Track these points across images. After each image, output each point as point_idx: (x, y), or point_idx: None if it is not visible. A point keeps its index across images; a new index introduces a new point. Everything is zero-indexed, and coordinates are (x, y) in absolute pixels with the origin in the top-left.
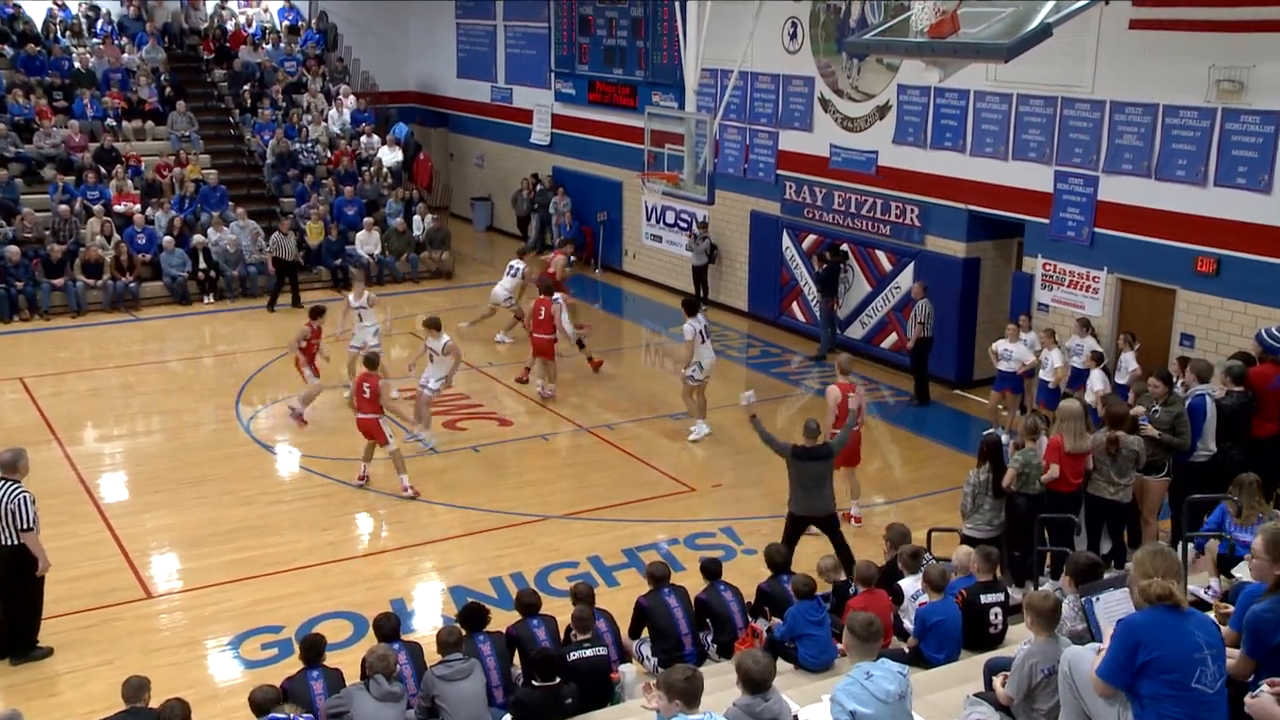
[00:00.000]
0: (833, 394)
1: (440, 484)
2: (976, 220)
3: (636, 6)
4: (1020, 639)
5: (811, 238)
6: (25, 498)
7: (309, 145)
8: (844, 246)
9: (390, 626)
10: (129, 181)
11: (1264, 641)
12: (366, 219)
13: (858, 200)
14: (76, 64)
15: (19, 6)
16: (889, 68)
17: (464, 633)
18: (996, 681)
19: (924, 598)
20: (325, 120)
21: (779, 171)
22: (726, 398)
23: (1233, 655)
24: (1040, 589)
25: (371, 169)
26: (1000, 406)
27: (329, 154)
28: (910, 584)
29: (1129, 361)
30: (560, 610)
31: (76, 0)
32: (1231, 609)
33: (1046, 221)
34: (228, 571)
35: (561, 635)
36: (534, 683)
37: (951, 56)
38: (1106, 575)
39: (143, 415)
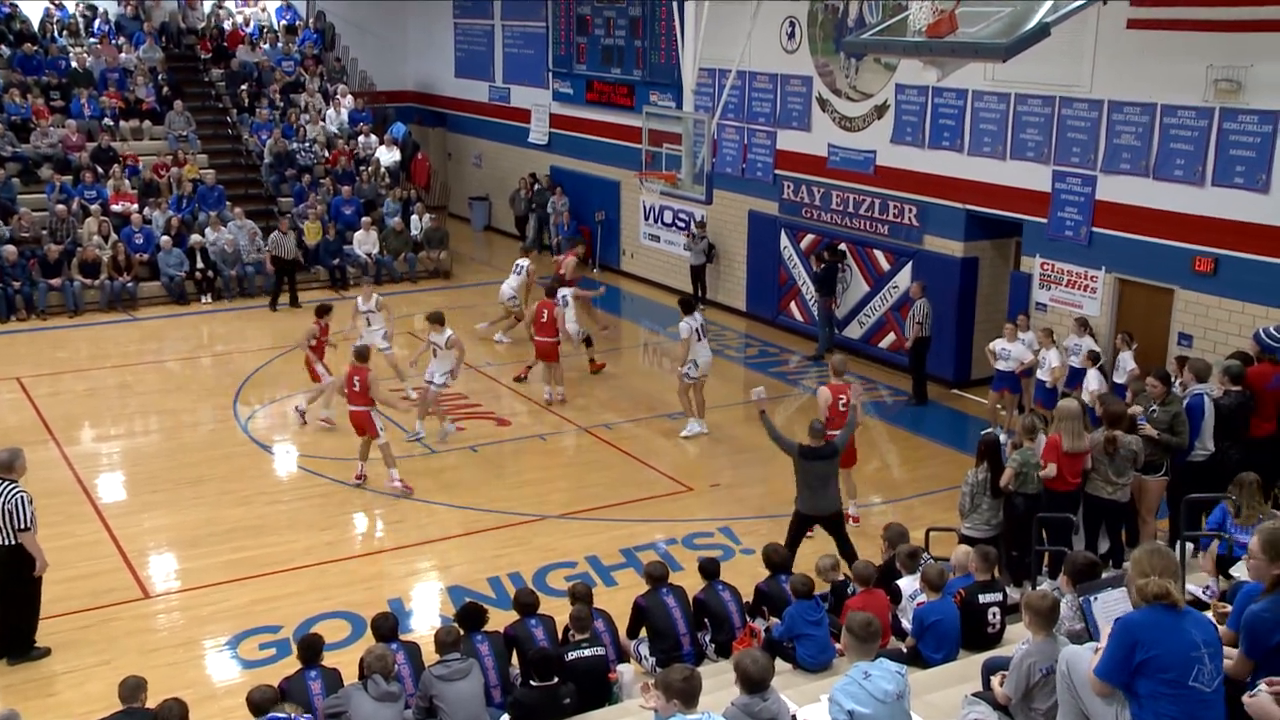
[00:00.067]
0: (824, 395)
1: (438, 483)
2: (974, 220)
3: (634, 6)
4: (1018, 638)
5: (810, 237)
6: (22, 498)
7: (307, 145)
8: (842, 246)
9: (388, 626)
10: (126, 181)
11: (1262, 641)
12: (364, 219)
13: (856, 200)
14: (74, 63)
15: (16, 6)
16: (887, 67)
17: (462, 633)
18: (995, 681)
19: (922, 597)
20: (323, 120)
21: (777, 171)
22: (725, 397)
23: (1230, 655)
24: (1038, 588)
25: (369, 168)
26: (998, 406)
27: (327, 154)
28: (908, 584)
29: (1127, 361)
30: (558, 610)
31: (73, 0)
32: (1229, 608)
33: (1044, 221)
34: (225, 571)
35: (560, 635)
36: (532, 683)
37: (949, 56)
38: (1104, 575)
39: (140, 415)
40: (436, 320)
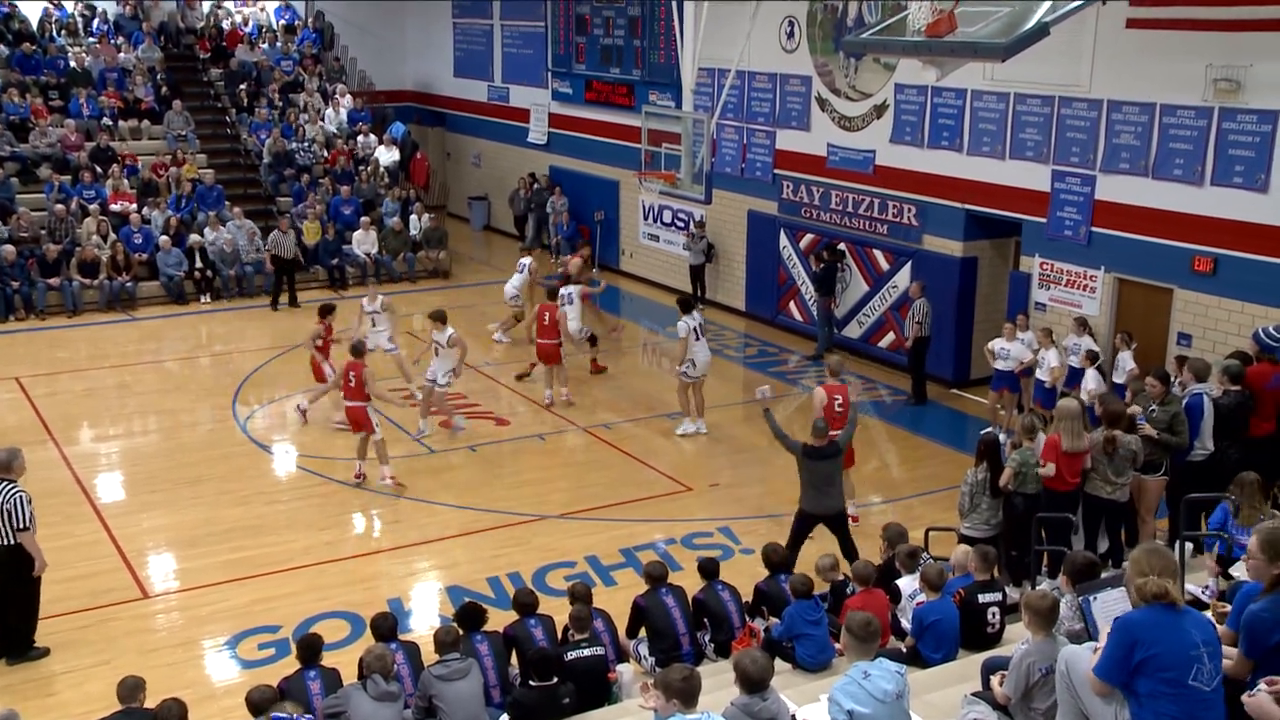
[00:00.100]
0: (819, 396)
1: (438, 483)
2: (974, 219)
3: (633, 6)
4: (1018, 638)
5: (809, 237)
6: (21, 497)
7: (306, 144)
8: (841, 246)
9: (387, 626)
10: (125, 181)
11: (1261, 641)
12: (363, 218)
13: (855, 199)
14: (72, 63)
15: (14, 5)
16: (886, 67)
17: (461, 632)
18: (994, 681)
19: (921, 597)
20: (322, 119)
21: (776, 171)
22: (725, 397)
23: (1230, 655)
24: (1038, 588)
25: (368, 168)
26: (998, 406)
27: (326, 153)
28: (908, 583)
29: (1126, 361)
30: (558, 610)
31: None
32: (1228, 608)
33: (1044, 221)
34: (224, 571)
35: (559, 635)
36: (531, 683)
37: (949, 56)
38: (1104, 574)
39: (139, 415)
40: (439, 318)
